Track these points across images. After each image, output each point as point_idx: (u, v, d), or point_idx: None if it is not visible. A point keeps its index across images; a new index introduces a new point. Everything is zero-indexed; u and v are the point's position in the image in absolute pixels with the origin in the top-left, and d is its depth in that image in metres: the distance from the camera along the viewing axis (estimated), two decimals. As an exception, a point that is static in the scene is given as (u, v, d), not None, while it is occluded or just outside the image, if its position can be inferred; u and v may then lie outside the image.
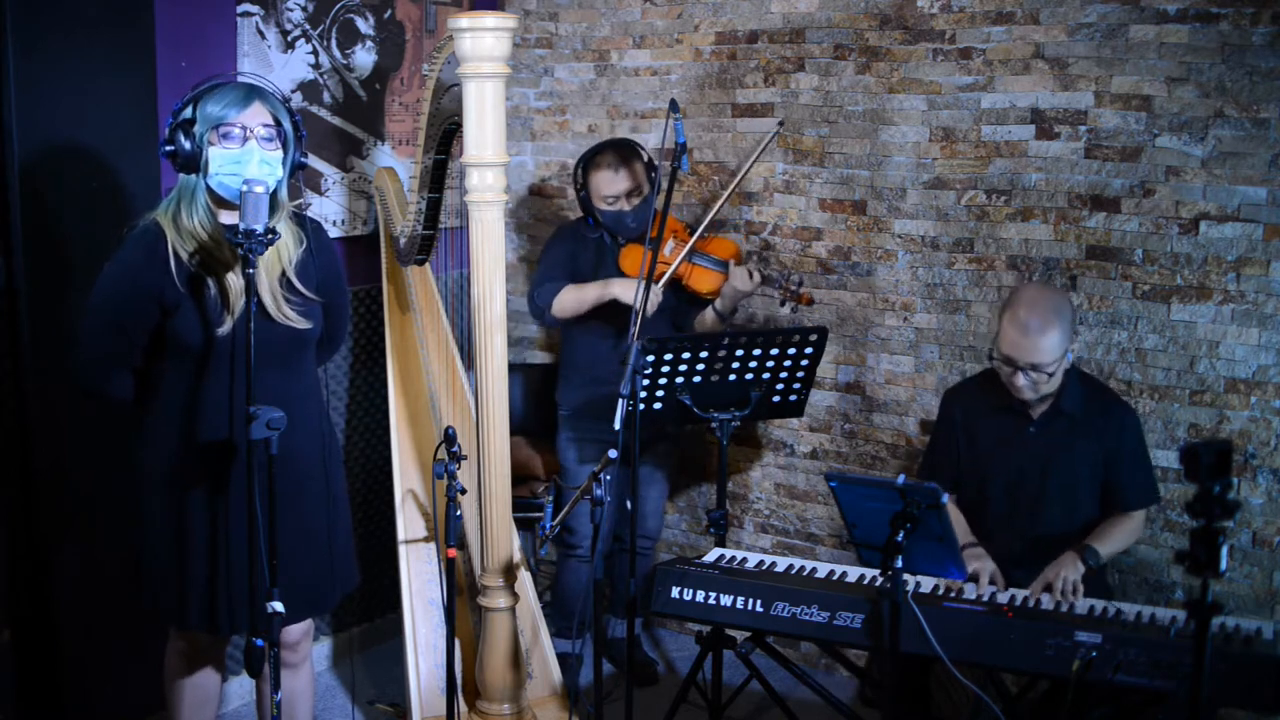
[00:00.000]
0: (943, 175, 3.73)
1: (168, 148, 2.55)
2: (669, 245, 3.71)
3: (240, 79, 2.64)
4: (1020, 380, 3.05)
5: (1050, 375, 3.04)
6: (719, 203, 3.74)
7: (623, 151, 3.74)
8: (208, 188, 2.60)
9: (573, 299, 3.74)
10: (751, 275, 3.62)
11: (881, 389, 3.93)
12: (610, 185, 3.70)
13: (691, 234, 3.74)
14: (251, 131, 2.55)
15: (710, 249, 3.74)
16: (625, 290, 3.63)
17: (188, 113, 2.55)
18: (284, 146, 2.62)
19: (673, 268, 3.65)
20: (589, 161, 3.76)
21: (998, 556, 3.12)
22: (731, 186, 3.72)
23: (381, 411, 3.99)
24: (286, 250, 2.68)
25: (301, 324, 2.70)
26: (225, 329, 2.61)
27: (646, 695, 3.79)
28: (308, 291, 2.72)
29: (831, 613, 2.89)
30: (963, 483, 3.28)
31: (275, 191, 2.60)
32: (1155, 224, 3.43)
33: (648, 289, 3.35)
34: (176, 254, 2.58)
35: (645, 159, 3.78)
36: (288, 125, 2.63)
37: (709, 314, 3.77)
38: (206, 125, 2.54)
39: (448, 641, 2.82)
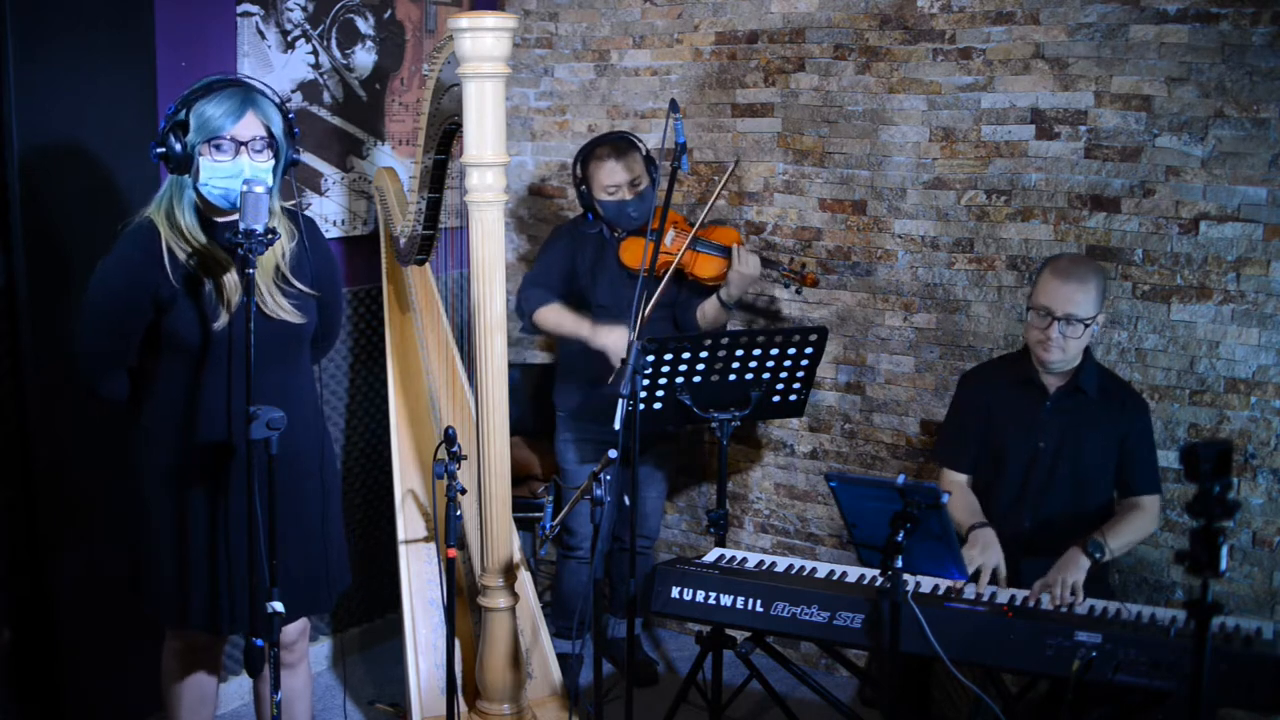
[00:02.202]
0: (943, 175, 3.73)
1: (159, 149, 2.56)
2: (670, 235, 3.71)
3: (233, 79, 2.62)
4: (1053, 332, 3.07)
5: (1085, 328, 3.07)
6: (704, 210, 3.72)
7: (620, 143, 3.74)
8: (197, 192, 2.60)
9: (555, 321, 3.76)
10: (756, 258, 3.62)
11: (881, 389, 3.93)
12: (611, 175, 3.70)
13: (691, 224, 3.73)
14: (244, 145, 2.55)
15: (712, 236, 3.74)
16: (610, 340, 3.62)
17: (181, 115, 2.55)
18: (276, 154, 2.62)
19: (677, 258, 3.65)
20: (588, 154, 3.76)
21: (1007, 538, 3.12)
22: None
23: (381, 411, 3.99)
24: (280, 245, 2.69)
25: (297, 319, 2.70)
26: (221, 324, 2.61)
27: (646, 695, 3.79)
28: (303, 286, 2.72)
29: (831, 613, 2.89)
30: (977, 461, 3.29)
31: (268, 193, 2.60)
32: (1155, 224, 3.43)
33: (649, 282, 3.35)
34: (171, 250, 2.59)
35: (643, 151, 3.78)
36: (280, 129, 2.62)
37: (712, 302, 3.76)
38: (199, 136, 2.53)
39: (448, 641, 2.82)
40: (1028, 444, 3.20)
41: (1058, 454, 3.18)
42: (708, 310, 3.78)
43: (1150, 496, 3.18)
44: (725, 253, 3.69)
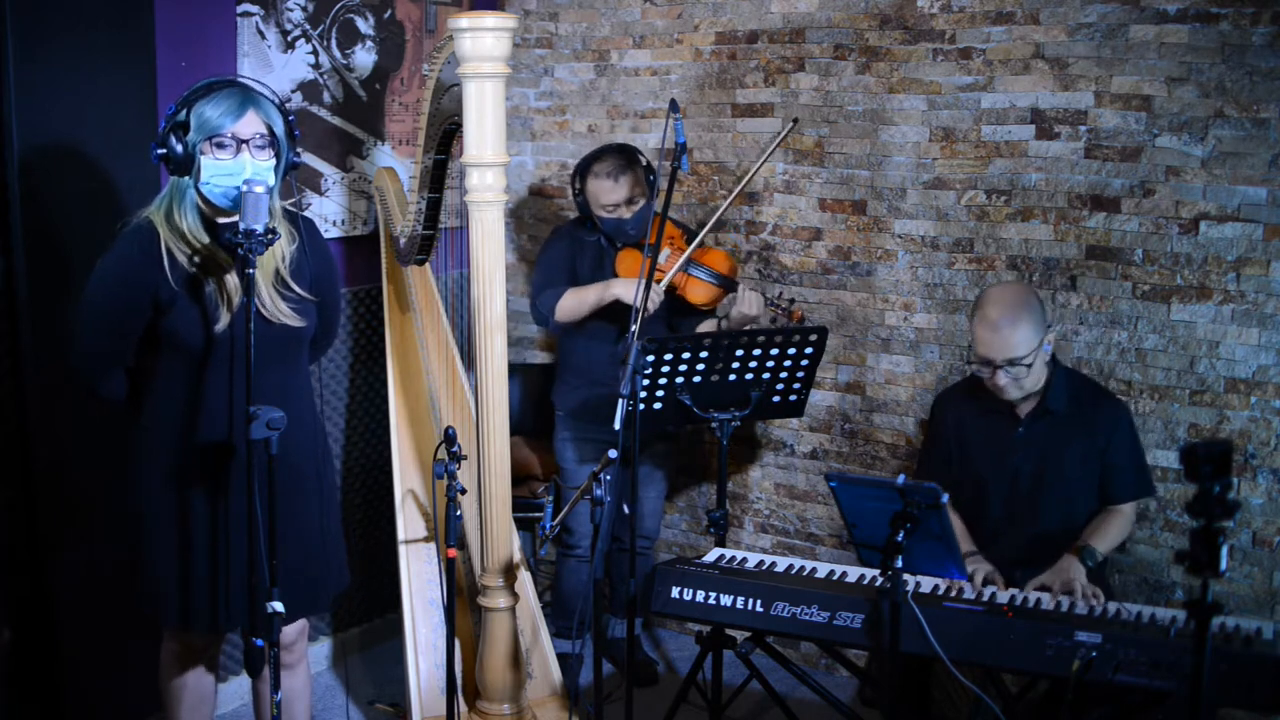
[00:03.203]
0: (943, 175, 3.73)
1: (160, 150, 2.56)
2: (665, 253, 3.70)
3: (233, 80, 2.63)
4: (1001, 379, 3.07)
5: (1029, 367, 3.06)
6: (726, 202, 3.72)
7: (620, 159, 3.72)
8: (198, 192, 2.60)
9: (574, 302, 3.74)
10: (759, 297, 3.62)
11: (881, 389, 3.93)
12: (608, 194, 3.70)
13: (688, 241, 3.72)
14: (245, 143, 2.55)
15: (706, 261, 3.72)
16: (626, 290, 3.62)
17: (181, 116, 2.55)
18: (277, 153, 2.62)
19: (668, 277, 3.65)
20: (586, 169, 3.75)
21: (1000, 559, 3.13)
22: (740, 185, 3.71)
23: (381, 411, 3.99)
24: (281, 248, 2.69)
25: (297, 322, 2.70)
26: (222, 326, 2.61)
27: (646, 695, 3.79)
28: (302, 290, 2.72)
29: (831, 613, 2.89)
30: (959, 486, 3.29)
31: (269, 193, 2.60)
32: (1155, 224, 3.43)
33: (646, 293, 3.35)
34: (171, 252, 2.59)
35: (644, 164, 3.77)
36: (280, 131, 2.62)
37: (710, 328, 3.77)
38: (200, 134, 2.53)
39: (448, 641, 2.82)
40: (1006, 472, 3.20)
41: (1038, 477, 3.17)
42: None
43: (1129, 504, 3.19)
44: (717, 280, 3.68)
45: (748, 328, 3.61)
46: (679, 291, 3.71)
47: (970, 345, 3.16)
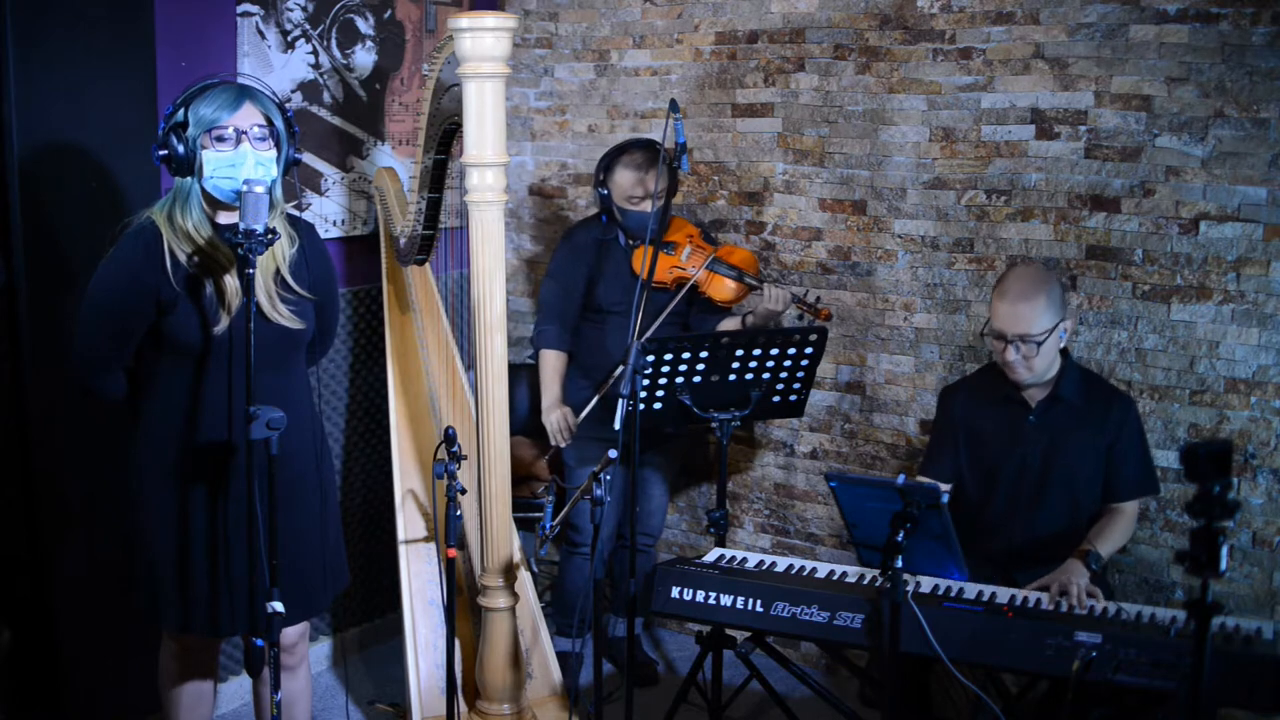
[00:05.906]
0: (943, 175, 3.73)
1: (161, 152, 2.56)
2: (686, 251, 3.72)
3: (229, 79, 2.63)
4: (1011, 355, 3.09)
5: (1040, 345, 3.07)
6: (708, 257, 3.70)
7: (649, 153, 3.72)
8: (202, 190, 2.60)
9: (544, 370, 3.86)
10: (786, 294, 3.63)
11: (881, 389, 3.93)
12: (636, 186, 3.70)
13: (708, 240, 3.74)
14: (244, 133, 2.56)
15: (731, 259, 3.74)
16: (551, 419, 3.78)
17: (179, 116, 2.55)
18: (277, 145, 2.62)
19: (694, 277, 3.66)
20: (614, 160, 3.75)
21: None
22: (715, 247, 3.72)
23: (381, 411, 3.99)
24: (281, 249, 2.69)
25: (296, 324, 2.70)
26: (222, 328, 2.61)
27: (646, 695, 3.79)
28: (302, 290, 2.72)
29: (831, 613, 2.89)
30: (965, 478, 3.29)
31: (270, 189, 2.60)
32: (1155, 224, 3.43)
33: (647, 288, 3.36)
34: (173, 253, 2.59)
35: (667, 161, 3.78)
36: (280, 123, 2.63)
37: (733, 326, 3.77)
38: (199, 129, 2.54)
39: (448, 641, 2.82)
40: (1015, 458, 3.20)
41: (1046, 467, 3.18)
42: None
43: (1132, 502, 3.19)
44: (741, 277, 3.69)
45: (745, 332, 3.61)
46: (702, 289, 3.72)
47: (987, 323, 3.18)
